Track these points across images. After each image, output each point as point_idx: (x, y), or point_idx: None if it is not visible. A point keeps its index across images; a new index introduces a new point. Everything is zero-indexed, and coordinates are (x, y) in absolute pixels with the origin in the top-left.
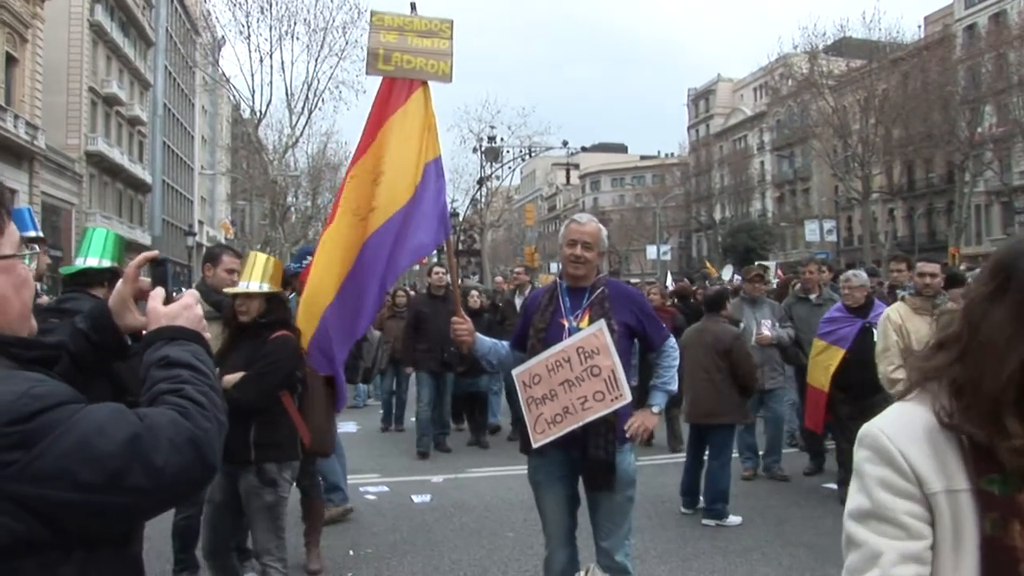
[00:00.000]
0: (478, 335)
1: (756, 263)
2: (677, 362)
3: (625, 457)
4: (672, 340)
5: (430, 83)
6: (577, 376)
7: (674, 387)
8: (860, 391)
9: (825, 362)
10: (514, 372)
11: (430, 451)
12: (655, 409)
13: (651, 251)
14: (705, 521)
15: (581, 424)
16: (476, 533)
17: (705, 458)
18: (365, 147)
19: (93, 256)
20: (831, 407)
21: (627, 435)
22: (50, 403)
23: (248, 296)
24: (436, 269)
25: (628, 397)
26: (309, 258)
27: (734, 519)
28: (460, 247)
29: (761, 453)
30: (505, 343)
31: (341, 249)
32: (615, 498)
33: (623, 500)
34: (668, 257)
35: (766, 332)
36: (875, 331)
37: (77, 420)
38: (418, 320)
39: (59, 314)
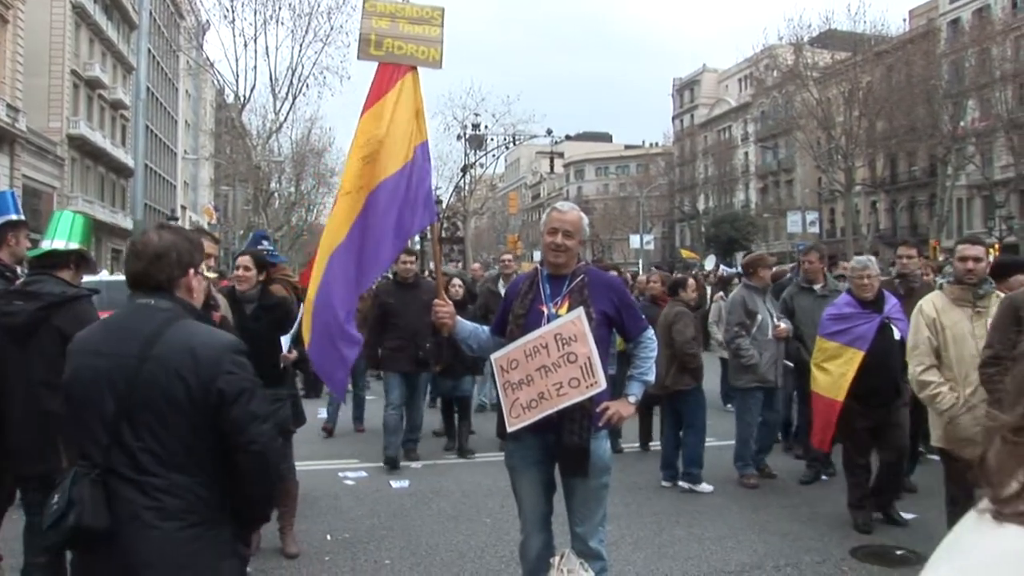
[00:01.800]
0: (459, 319)
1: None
2: (655, 353)
3: (600, 443)
4: (650, 331)
5: (420, 69)
6: (554, 362)
7: (651, 378)
8: (878, 398)
9: (840, 368)
10: (492, 356)
11: (398, 457)
12: (631, 399)
13: (634, 240)
14: (680, 483)
15: (556, 410)
16: (453, 519)
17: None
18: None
19: (60, 238)
20: (841, 417)
21: (599, 423)
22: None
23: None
24: (404, 257)
25: (603, 385)
26: (264, 242)
27: (706, 487)
28: (443, 234)
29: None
30: (486, 328)
31: (331, 233)
32: (589, 484)
33: (598, 486)
34: (651, 247)
35: (783, 324)
36: (894, 327)
37: None
38: (384, 313)
39: (24, 296)
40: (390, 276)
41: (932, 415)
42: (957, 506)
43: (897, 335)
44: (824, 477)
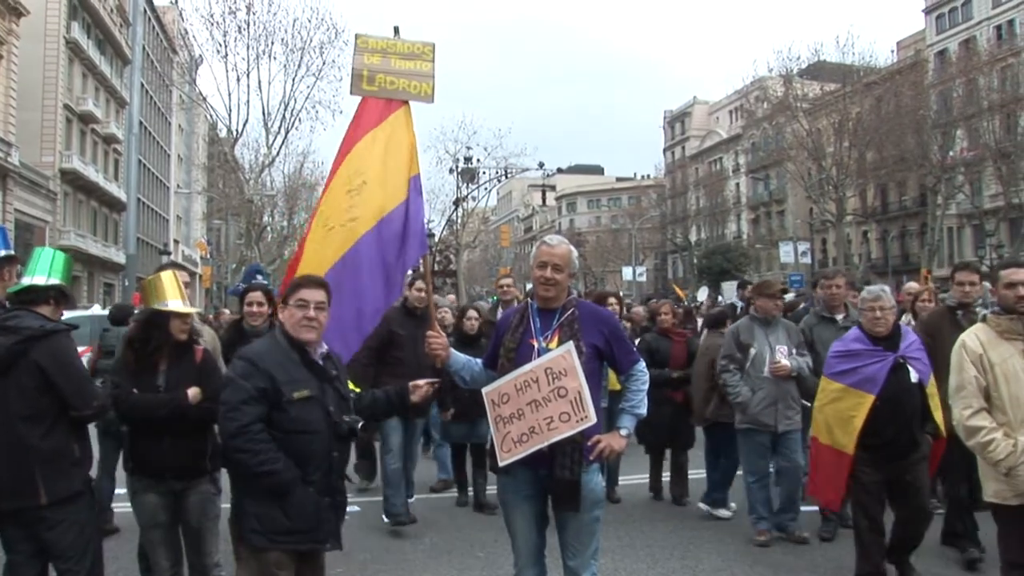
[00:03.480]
0: (452, 351)
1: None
2: (646, 386)
3: (592, 477)
4: (642, 364)
5: (412, 103)
6: (544, 396)
7: (643, 411)
8: (891, 450)
9: (846, 412)
10: (484, 390)
11: (406, 517)
12: (623, 432)
13: (627, 272)
14: (700, 504)
15: (546, 444)
16: (447, 552)
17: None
18: (339, 163)
19: (40, 274)
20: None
21: (590, 456)
22: None
23: (188, 315)
24: (419, 284)
25: (594, 419)
26: (259, 276)
27: (725, 512)
28: (436, 267)
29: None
30: (479, 360)
31: (314, 264)
32: (582, 517)
33: (590, 520)
34: (644, 278)
35: (783, 360)
36: (910, 368)
37: None
38: (391, 343)
39: (2, 331)
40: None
41: (984, 466)
42: (1016, 572)
43: (914, 377)
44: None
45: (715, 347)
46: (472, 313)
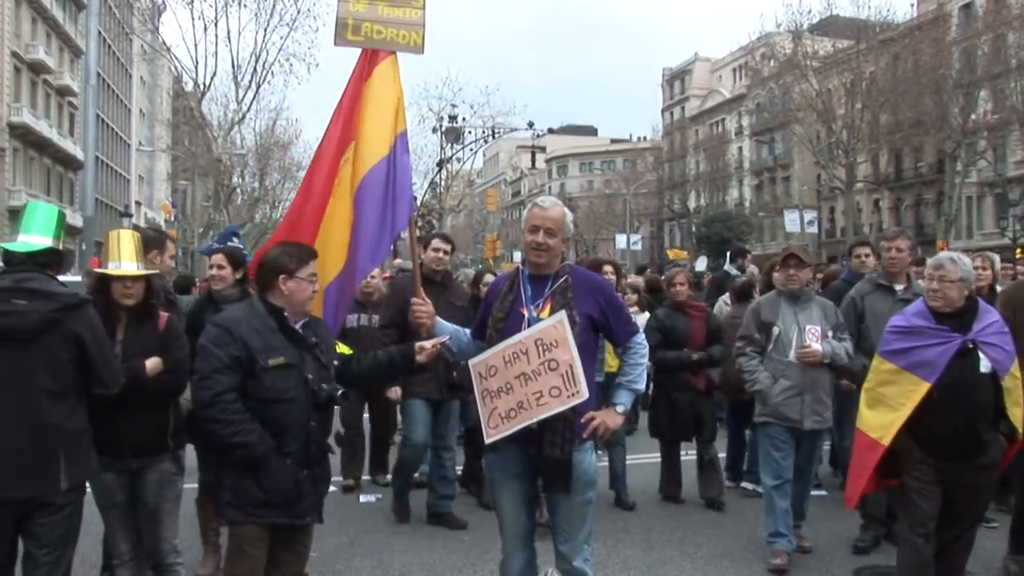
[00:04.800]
0: (438, 319)
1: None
2: (645, 360)
3: (585, 456)
4: (641, 336)
5: (399, 54)
6: (534, 370)
7: (641, 386)
8: (950, 449)
9: (896, 399)
10: (470, 362)
11: (406, 507)
12: (619, 408)
13: (621, 240)
14: (744, 484)
15: (535, 420)
16: (428, 536)
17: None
18: (348, 125)
19: (43, 235)
20: (893, 468)
21: (583, 434)
22: None
23: (135, 278)
24: (437, 244)
25: (585, 394)
26: (235, 239)
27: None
28: (418, 233)
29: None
30: (467, 330)
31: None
32: (573, 499)
33: (582, 502)
34: (639, 247)
35: (814, 344)
36: (981, 355)
37: None
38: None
39: (27, 295)
40: (405, 269)
41: None
42: None
43: (985, 366)
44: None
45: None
46: (490, 278)
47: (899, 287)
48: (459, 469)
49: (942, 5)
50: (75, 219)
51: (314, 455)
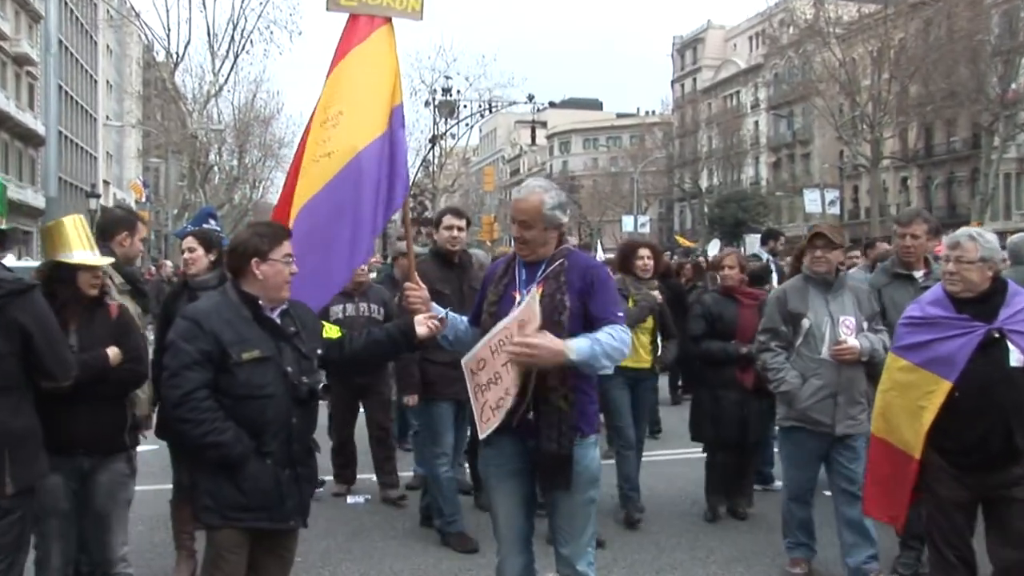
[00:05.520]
0: (434, 304)
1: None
2: (624, 347)
3: (586, 452)
4: (625, 329)
5: (396, 21)
6: None
7: (604, 347)
8: (978, 458)
9: (915, 401)
10: (463, 361)
11: (466, 532)
12: (570, 344)
13: (627, 222)
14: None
15: (514, 392)
16: (421, 539)
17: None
18: (333, 89)
19: None
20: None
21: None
22: None
23: (97, 268)
24: (450, 220)
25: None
26: (212, 220)
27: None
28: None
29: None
30: (464, 318)
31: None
32: (574, 498)
33: (583, 501)
34: (647, 229)
35: (849, 339)
36: (1010, 346)
37: None
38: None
39: None
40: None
41: None
42: None
43: (1016, 359)
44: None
45: None
46: (479, 252)
47: (919, 274)
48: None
49: None
50: (37, 200)
51: (297, 454)
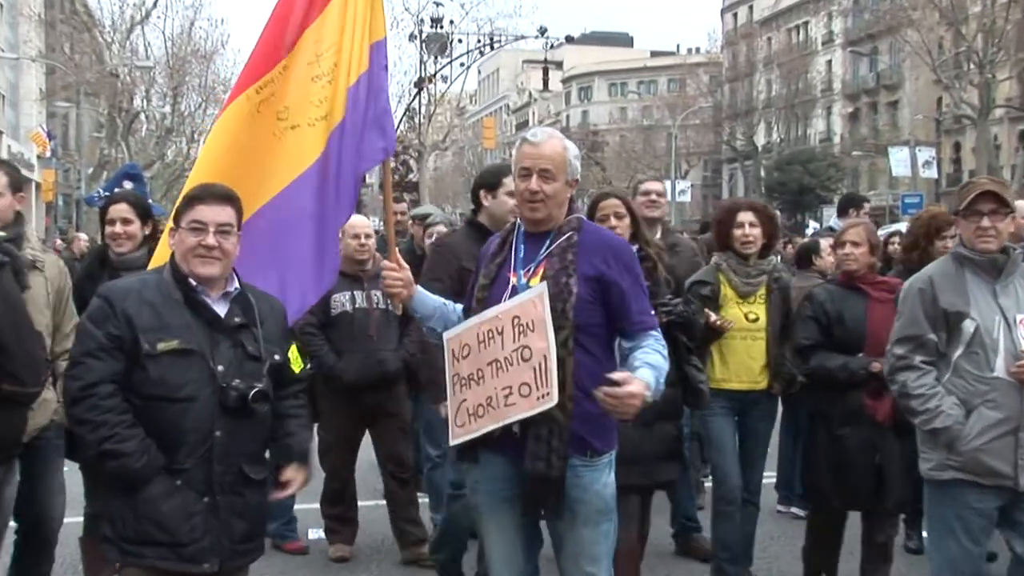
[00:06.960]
0: (419, 289)
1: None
2: (663, 365)
3: (597, 475)
4: (660, 337)
5: None
6: (507, 357)
7: (664, 365)
8: None
9: None
10: (445, 335)
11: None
12: (642, 375)
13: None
14: (795, 509)
15: (500, 426)
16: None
17: None
18: (300, 24)
19: None
20: None
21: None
22: None
23: None
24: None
25: (555, 398)
26: (128, 182)
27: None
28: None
29: None
30: (458, 306)
31: (259, 161)
32: (581, 533)
33: (592, 535)
34: (687, 198)
35: None
36: None
37: None
38: (462, 285)
39: None
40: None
41: None
42: None
43: None
44: None
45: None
46: (440, 228)
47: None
48: None
49: None
50: None
51: (219, 477)
